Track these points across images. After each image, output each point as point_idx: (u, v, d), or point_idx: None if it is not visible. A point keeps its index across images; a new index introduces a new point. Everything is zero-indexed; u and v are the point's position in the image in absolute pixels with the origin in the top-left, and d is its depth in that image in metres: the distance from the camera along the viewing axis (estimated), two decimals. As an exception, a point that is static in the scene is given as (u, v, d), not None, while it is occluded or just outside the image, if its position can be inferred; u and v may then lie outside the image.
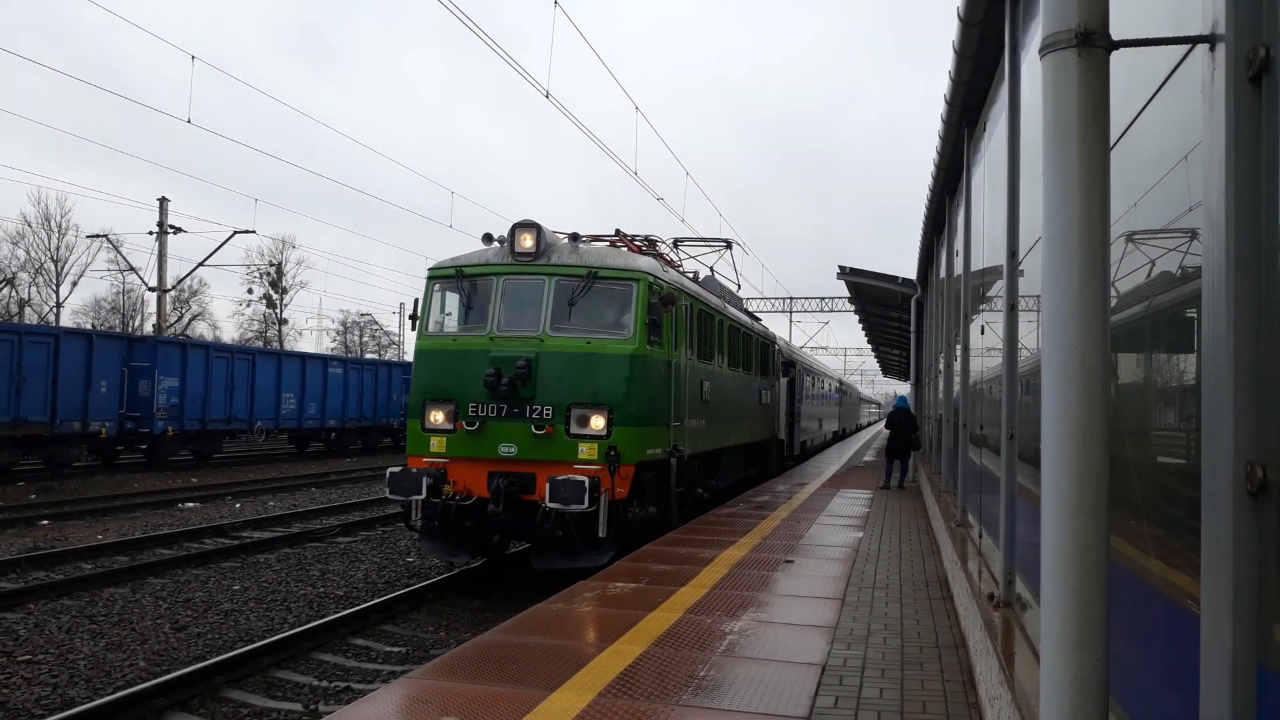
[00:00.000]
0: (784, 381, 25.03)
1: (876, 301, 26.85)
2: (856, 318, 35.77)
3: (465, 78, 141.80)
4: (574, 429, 10.83)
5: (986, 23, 6.86)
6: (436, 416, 11.28)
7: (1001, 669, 4.57)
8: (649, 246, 14.59)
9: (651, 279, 11.61)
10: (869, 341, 47.31)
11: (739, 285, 21.01)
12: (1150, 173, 2.87)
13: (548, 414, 10.83)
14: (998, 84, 7.42)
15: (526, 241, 11.51)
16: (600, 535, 10.47)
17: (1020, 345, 5.99)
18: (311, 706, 7.58)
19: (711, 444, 15.15)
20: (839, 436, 48.68)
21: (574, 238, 11.87)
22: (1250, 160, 1.98)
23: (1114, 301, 2.96)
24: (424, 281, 12.30)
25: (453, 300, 12.03)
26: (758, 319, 23.16)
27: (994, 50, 7.22)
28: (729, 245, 19.64)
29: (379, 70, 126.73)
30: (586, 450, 10.74)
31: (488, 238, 12.02)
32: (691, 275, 16.49)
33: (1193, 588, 2.24)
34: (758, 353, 20.37)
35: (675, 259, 16.52)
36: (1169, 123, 2.70)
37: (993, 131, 7.72)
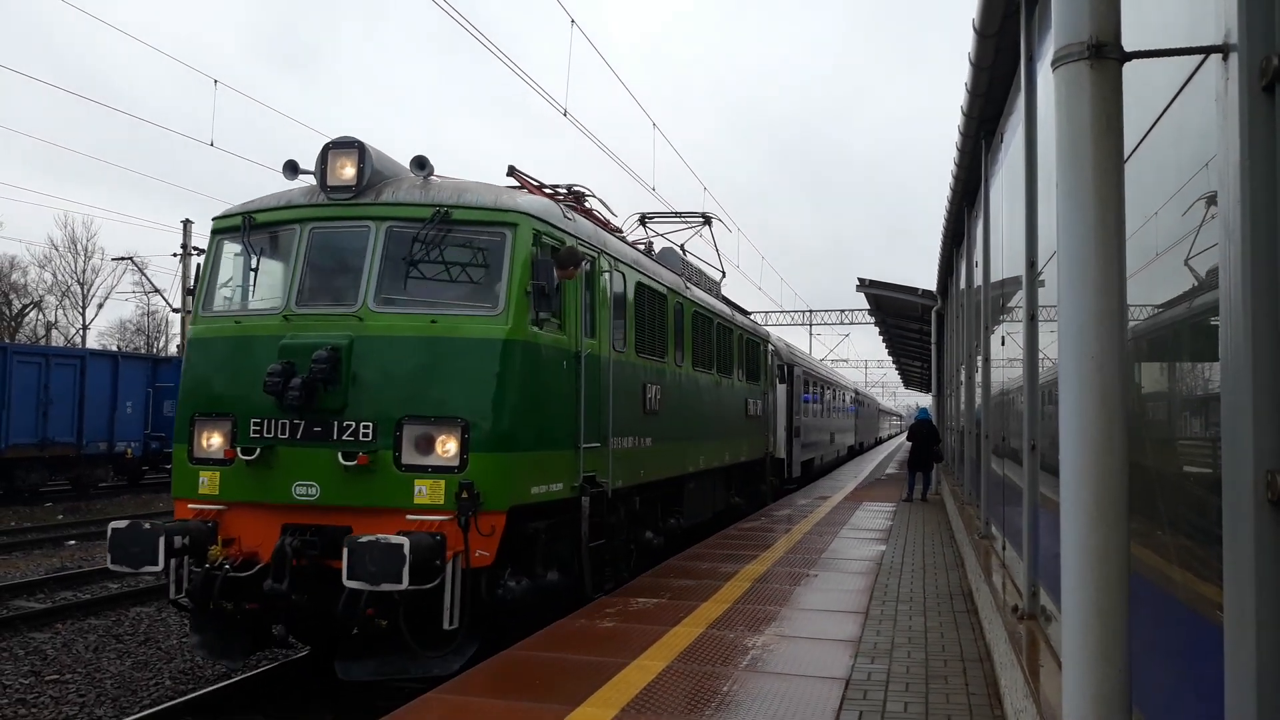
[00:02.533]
0: (782, 389, 21.93)
1: (896, 313, 26.75)
2: (877, 330, 35.66)
3: (452, 84, 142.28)
4: (408, 457, 7.07)
5: (1002, 34, 6.87)
6: (210, 440, 7.53)
7: (1027, 682, 4.53)
8: (573, 200, 10.35)
9: (537, 224, 7.77)
10: (890, 353, 47.05)
11: (723, 273, 17.16)
12: (1165, 182, 2.87)
13: (365, 434, 7.12)
14: (1014, 95, 7.42)
15: (345, 170, 7.72)
16: (448, 626, 6.84)
17: (1041, 356, 5.97)
18: (336, 724, 7.60)
19: (664, 470, 11.29)
20: (855, 451, 44.81)
21: (420, 164, 7.83)
22: (1265, 168, 1.99)
23: (1131, 311, 2.96)
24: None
25: (245, 263, 8.26)
26: (747, 313, 19.68)
27: (1010, 61, 7.23)
28: (707, 220, 15.79)
29: (362, 76, 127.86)
30: (428, 490, 7.02)
31: (290, 167, 7.98)
32: (643, 246, 12.94)
33: (1216, 597, 2.23)
34: (742, 352, 16.71)
35: (617, 225, 11.99)
36: (1184, 132, 2.70)
37: (1010, 142, 7.72)
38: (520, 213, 7.71)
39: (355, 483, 7.12)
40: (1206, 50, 2.25)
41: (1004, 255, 8.11)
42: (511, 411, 7.35)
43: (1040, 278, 5.93)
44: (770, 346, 20.18)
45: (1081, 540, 2.31)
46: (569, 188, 10.64)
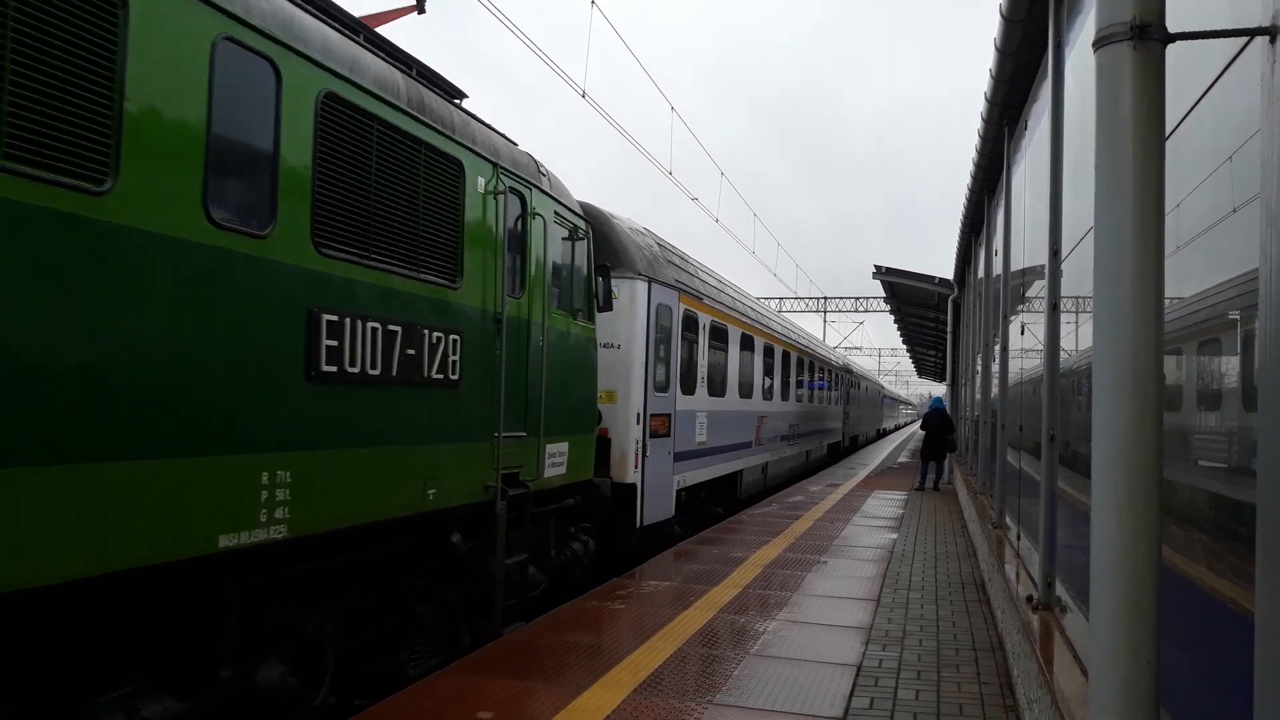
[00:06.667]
0: (636, 328, 10.70)
1: (912, 301, 26.63)
2: (892, 318, 35.51)
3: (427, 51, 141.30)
4: None
5: (1029, 19, 6.78)
6: None
7: (1041, 671, 4.51)
8: None
9: None
10: (904, 342, 46.85)
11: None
12: (1204, 167, 2.82)
13: None
14: (1040, 81, 7.33)
15: None
16: None
17: (1061, 345, 5.91)
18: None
19: None
20: (845, 449, 33.53)
21: None
22: (1311, 155, 1.94)
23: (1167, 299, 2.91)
24: None
25: None
26: (455, 97, 6.90)
27: (1036, 47, 7.13)
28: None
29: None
30: None
31: None
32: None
33: (1233, 593, 2.19)
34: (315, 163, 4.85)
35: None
36: (1224, 116, 2.64)
37: (1035, 130, 7.63)
38: None
39: None
40: (1252, 32, 2.20)
41: (1025, 243, 8.03)
42: None
43: (1062, 267, 5.86)
44: (556, 205, 8.16)
45: (1112, 528, 2.27)
46: None
